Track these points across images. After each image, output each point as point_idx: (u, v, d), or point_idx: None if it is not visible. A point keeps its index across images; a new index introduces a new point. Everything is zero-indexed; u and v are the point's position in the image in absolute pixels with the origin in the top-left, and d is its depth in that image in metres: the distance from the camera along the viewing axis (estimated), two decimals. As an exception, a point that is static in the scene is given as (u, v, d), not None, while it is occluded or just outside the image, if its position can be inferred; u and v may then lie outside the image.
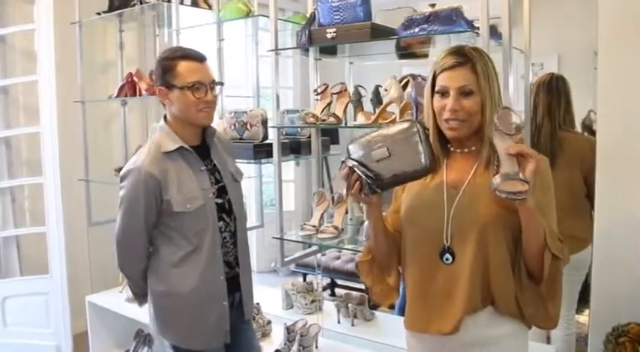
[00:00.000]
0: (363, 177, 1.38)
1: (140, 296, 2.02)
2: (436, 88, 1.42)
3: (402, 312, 2.95)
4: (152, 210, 1.83)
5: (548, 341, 2.75)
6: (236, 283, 1.98)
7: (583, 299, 2.73)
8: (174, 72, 1.81)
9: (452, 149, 1.50)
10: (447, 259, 1.43)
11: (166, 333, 1.93)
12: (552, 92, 2.59)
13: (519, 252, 1.40)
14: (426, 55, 2.42)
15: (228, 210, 1.95)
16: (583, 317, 3.07)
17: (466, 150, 1.48)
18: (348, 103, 2.40)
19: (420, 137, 1.38)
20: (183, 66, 1.81)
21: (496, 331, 1.44)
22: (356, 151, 1.41)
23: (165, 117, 1.92)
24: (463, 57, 1.40)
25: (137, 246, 1.89)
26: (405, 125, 1.41)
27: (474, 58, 1.40)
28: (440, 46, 2.18)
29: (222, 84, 1.92)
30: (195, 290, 1.87)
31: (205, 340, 1.90)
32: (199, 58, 1.86)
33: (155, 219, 1.85)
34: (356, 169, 1.38)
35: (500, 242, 1.40)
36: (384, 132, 1.41)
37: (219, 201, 1.93)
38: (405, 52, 2.44)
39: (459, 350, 1.48)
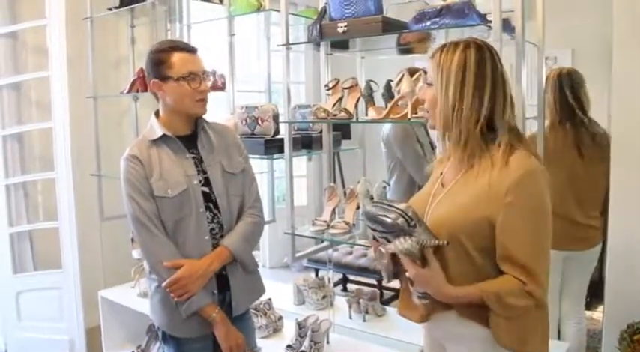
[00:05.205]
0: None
1: None
2: None
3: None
4: (147, 187, 1.83)
5: (558, 336, 2.73)
6: (225, 280, 1.94)
7: (596, 295, 2.71)
8: (168, 63, 1.84)
9: None
10: None
11: (156, 319, 1.96)
12: (555, 89, 2.59)
13: (487, 262, 1.35)
14: (425, 52, 2.41)
15: (214, 201, 1.92)
16: (597, 314, 3.05)
17: None
18: (359, 98, 2.39)
19: None
20: (176, 57, 1.84)
21: (464, 331, 1.40)
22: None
23: (157, 112, 1.95)
24: None
25: (154, 229, 1.83)
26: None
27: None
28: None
29: (214, 74, 1.92)
30: None
31: (190, 328, 1.88)
32: (190, 50, 1.90)
33: (153, 197, 1.83)
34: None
35: (466, 251, 1.35)
36: None
37: (206, 190, 1.90)
38: (405, 47, 2.43)
39: (442, 340, 1.50)
